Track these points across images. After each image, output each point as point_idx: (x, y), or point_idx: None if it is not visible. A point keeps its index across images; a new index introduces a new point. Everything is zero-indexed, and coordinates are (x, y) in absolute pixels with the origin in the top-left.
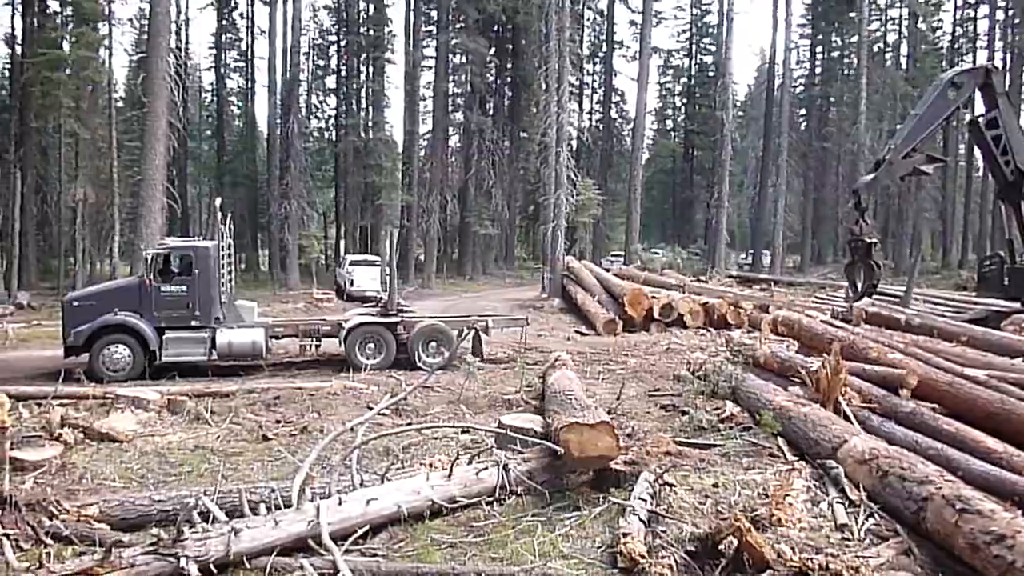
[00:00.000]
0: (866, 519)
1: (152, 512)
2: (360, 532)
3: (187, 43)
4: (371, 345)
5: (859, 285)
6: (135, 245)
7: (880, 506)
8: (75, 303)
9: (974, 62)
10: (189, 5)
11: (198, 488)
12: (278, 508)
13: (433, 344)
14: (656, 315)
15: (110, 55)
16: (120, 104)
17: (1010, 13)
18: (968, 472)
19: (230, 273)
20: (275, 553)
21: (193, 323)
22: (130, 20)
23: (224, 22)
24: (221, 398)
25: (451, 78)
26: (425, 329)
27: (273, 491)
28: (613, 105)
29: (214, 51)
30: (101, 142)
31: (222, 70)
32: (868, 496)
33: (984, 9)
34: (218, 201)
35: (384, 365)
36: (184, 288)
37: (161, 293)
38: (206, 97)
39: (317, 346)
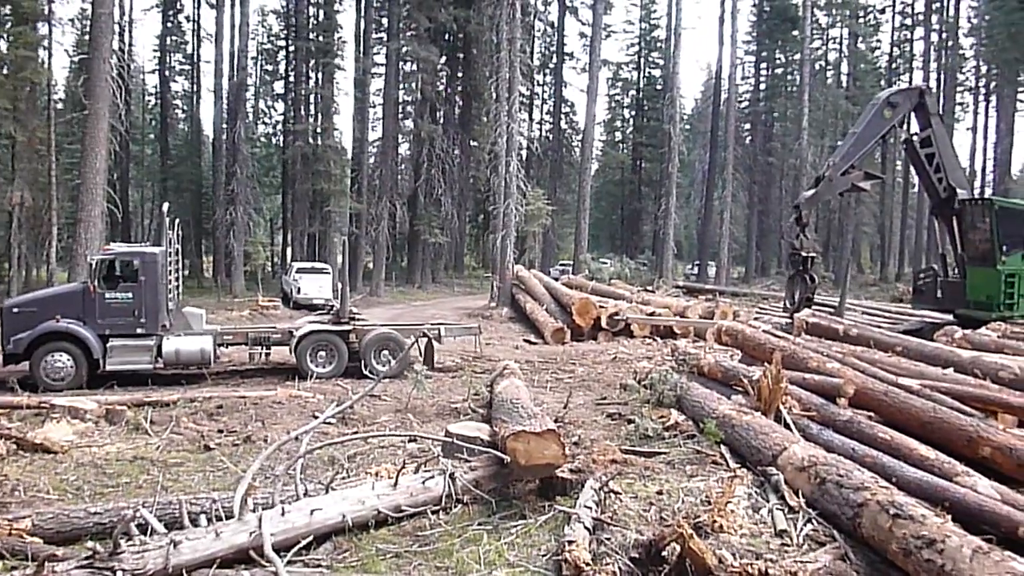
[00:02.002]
0: (804, 525)
1: (88, 525)
2: (304, 543)
3: (131, 45)
4: (323, 353)
5: (796, 297)
6: (74, 251)
7: (818, 512)
8: (15, 309)
9: (910, 82)
10: (133, 6)
11: (136, 500)
12: (219, 519)
13: (385, 352)
14: (604, 324)
15: (50, 55)
16: (60, 106)
17: (944, 36)
18: (902, 479)
19: (177, 280)
20: (216, 565)
21: (139, 331)
22: (71, 20)
23: (169, 24)
24: (161, 407)
25: (401, 86)
26: (378, 337)
27: (214, 502)
28: (563, 116)
29: (159, 53)
30: (39, 144)
31: (167, 73)
32: (807, 502)
33: (920, 31)
34: (165, 206)
35: (336, 373)
36: (130, 295)
37: (106, 300)
38: (150, 100)
39: (267, 354)
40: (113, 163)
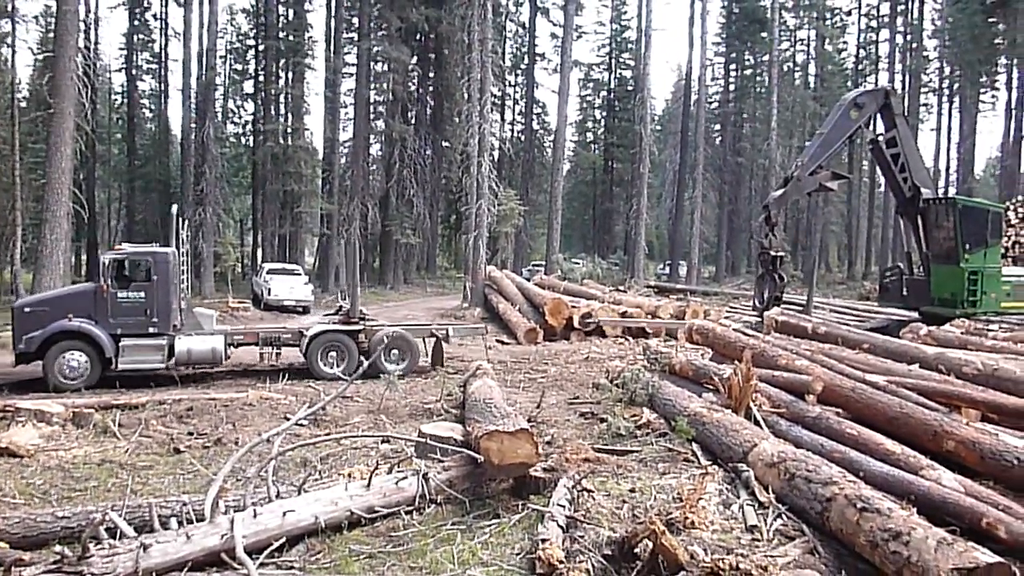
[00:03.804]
0: (774, 520)
1: (55, 529)
2: (276, 545)
3: (97, 43)
4: (333, 353)
5: (765, 296)
6: (39, 251)
7: (787, 507)
8: (27, 309)
9: (876, 83)
10: (99, 4)
11: (105, 503)
12: (190, 522)
13: (395, 352)
14: (576, 324)
15: (13, 53)
16: (24, 104)
17: (908, 38)
18: (869, 473)
19: (187, 280)
20: (187, 568)
21: (151, 330)
22: (36, 17)
23: (136, 22)
24: (130, 410)
25: (373, 86)
26: (387, 337)
27: (185, 505)
28: (535, 116)
29: (125, 52)
30: (3, 144)
31: (134, 71)
32: (776, 498)
33: (885, 33)
34: (174, 208)
35: (346, 373)
36: (142, 294)
37: (118, 299)
38: (117, 99)
39: (278, 354)
40: (79, 163)
